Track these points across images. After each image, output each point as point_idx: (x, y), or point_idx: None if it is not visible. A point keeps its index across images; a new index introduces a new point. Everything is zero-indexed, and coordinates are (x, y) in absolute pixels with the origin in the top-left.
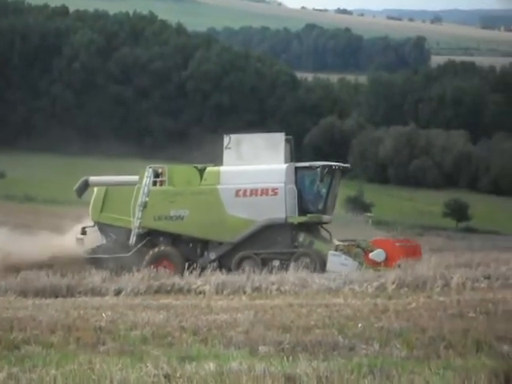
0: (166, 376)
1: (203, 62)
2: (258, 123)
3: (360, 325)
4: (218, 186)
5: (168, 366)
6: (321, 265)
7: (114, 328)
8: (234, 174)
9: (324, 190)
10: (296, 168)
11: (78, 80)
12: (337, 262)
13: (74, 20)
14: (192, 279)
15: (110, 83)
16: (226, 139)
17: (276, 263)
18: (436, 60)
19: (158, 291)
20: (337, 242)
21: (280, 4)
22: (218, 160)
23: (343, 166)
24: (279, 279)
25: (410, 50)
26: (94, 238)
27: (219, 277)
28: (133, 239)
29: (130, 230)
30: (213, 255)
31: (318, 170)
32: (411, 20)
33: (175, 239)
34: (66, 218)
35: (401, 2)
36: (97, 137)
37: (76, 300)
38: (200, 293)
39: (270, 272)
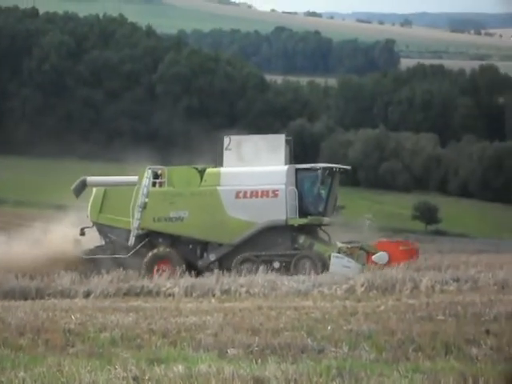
0: (135, 378)
1: (173, 64)
2: (228, 126)
3: (329, 327)
4: (218, 188)
5: (137, 369)
6: (322, 267)
7: (83, 330)
8: (235, 176)
9: (324, 192)
10: (296, 170)
11: (47, 82)
12: (339, 264)
13: (44, 22)
14: (161, 282)
15: (80, 85)
16: (226, 140)
17: (276, 265)
18: (405, 63)
19: (127, 293)
20: (339, 244)
21: (250, 6)
22: (193, 161)
23: (343, 168)
24: (248, 282)
25: (379, 53)
26: (92, 239)
27: (188, 279)
28: (132, 240)
29: (129, 231)
30: (213, 257)
31: (319, 171)
32: (381, 23)
33: (174, 240)
34: (37, 221)
35: (370, 5)
36: (66, 139)
37: (45, 302)
38: (169, 295)
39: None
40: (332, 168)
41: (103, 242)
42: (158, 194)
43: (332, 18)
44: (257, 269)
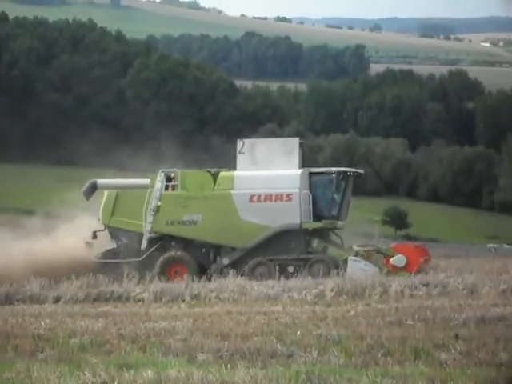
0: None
1: (142, 69)
2: (198, 131)
3: (298, 332)
4: (232, 191)
5: (106, 374)
6: (335, 270)
7: (52, 336)
8: (248, 179)
9: (338, 196)
10: (310, 173)
11: (17, 87)
12: (357, 267)
13: (14, 27)
14: (131, 287)
15: (50, 91)
16: (239, 144)
17: (290, 269)
18: (375, 68)
19: (96, 299)
20: (356, 248)
21: (220, 12)
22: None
23: (357, 172)
24: (218, 287)
25: (349, 58)
26: (103, 242)
27: (158, 284)
28: (144, 244)
29: (141, 234)
30: (226, 261)
31: (334, 175)
32: (350, 28)
33: (187, 244)
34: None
35: (340, 11)
36: (36, 144)
37: (14, 308)
38: (139, 300)
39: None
40: (346, 172)
41: (115, 245)
42: (171, 197)
43: (302, 23)
44: (270, 273)
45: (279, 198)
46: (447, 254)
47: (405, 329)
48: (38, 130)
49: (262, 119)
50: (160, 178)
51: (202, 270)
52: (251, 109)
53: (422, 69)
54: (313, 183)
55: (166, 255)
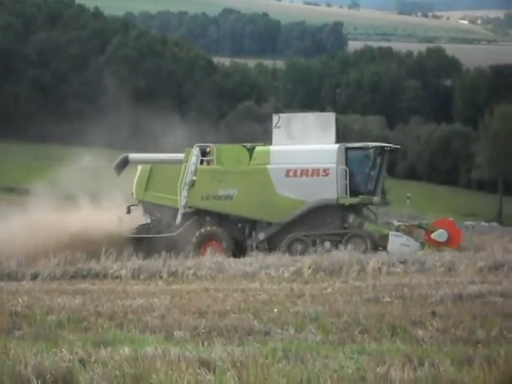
0: (81, 361)
1: (120, 46)
2: (175, 108)
3: (275, 309)
4: (268, 166)
5: (83, 351)
6: (372, 246)
7: (29, 313)
8: (285, 154)
9: (375, 171)
10: (347, 148)
11: None
12: (398, 242)
13: None
14: (108, 264)
15: (28, 67)
16: (274, 118)
17: (327, 244)
18: (353, 45)
19: (74, 276)
20: (397, 223)
21: None
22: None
23: (394, 147)
24: (196, 264)
25: (327, 36)
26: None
27: (135, 262)
28: (179, 219)
29: (175, 210)
30: (262, 236)
31: (371, 150)
32: (328, 5)
33: (222, 219)
34: None
35: None
36: (14, 121)
37: None
38: (116, 278)
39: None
40: (383, 147)
41: (148, 221)
42: (206, 171)
43: (280, 0)
44: (307, 248)
45: (316, 172)
46: None
47: (382, 306)
48: (16, 107)
49: (239, 96)
50: (195, 152)
51: (236, 246)
52: (229, 86)
53: (400, 46)
54: (349, 158)
55: (203, 230)
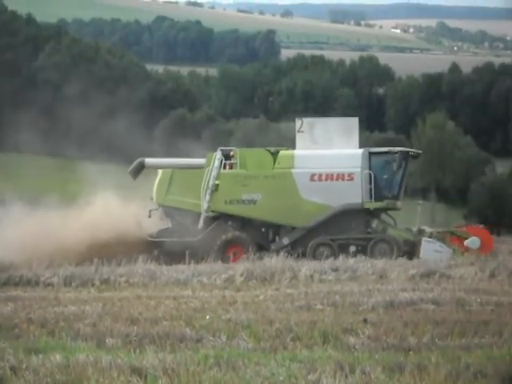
0: (12, 368)
1: (53, 53)
2: (108, 114)
3: (208, 317)
4: (293, 170)
5: (14, 358)
6: (398, 251)
7: None
8: (309, 158)
9: (399, 176)
10: (370, 153)
11: None
12: (431, 249)
13: None
14: (40, 271)
15: None
16: (297, 122)
17: (352, 249)
18: (286, 53)
19: (6, 283)
20: (429, 229)
21: None
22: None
23: (417, 152)
24: (128, 271)
25: (260, 44)
26: (154, 221)
27: (68, 269)
28: (201, 223)
29: (196, 214)
30: (286, 240)
31: (397, 155)
32: (261, 13)
33: (245, 224)
34: None
35: None
36: None
37: None
38: (48, 285)
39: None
40: (408, 152)
41: (169, 225)
42: (230, 176)
43: (213, 7)
44: (333, 253)
45: (340, 177)
46: None
47: (314, 313)
48: None
49: (172, 103)
50: (218, 156)
51: (260, 250)
52: (162, 93)
53: (332, 54)
54: (374, 163)
55: (227, 235)
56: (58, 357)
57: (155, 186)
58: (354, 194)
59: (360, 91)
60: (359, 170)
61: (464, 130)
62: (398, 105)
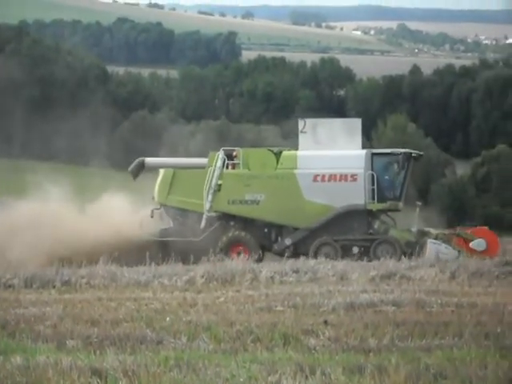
0: None
1: (14, 54)
2: (70, 116)
3: (168, 318)
4: (295, 171)
5: None
6: (401, 252)
7: None
8: (312, 159)
9: (401, 177)
10: (374, 154)
11: None
12: (436, 250)
13: None
14: (0, 273)
15: None
16: (300, 123)
17: (355, 250)
18: (247, 55)
19: None
20: (434, 231)
21: None
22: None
23: (419, 154)
24: (89, 273)
25: (221, 45)
26: (156, 221)
27: (28, 270)
28: (203, 223)
29: (198, 214)
30: (288, 241)
31: (400, 156)
32: (222, 15)
33: (247, 224)
34: None
35: None
36: None
37: None
38: (9, 286)
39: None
40: (411, 153)
41: (171, 225)
42: (232, 176)
43: (174, 9)
44: (336, 254)
45: (344, 178)
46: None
47: (274, 315)
48: None
49: (133, 105)
50: (221, 155)
51: (262, 251)
52: (123, 95)
53: (293, 56)
54: (377, 164)
55: (230, 235)
56: (18, 358)
57: (157, 185)
58: (357, 195)
59: (321, 93)
60: (362, 170)
61: (425, 132)
62: (358, 106)
